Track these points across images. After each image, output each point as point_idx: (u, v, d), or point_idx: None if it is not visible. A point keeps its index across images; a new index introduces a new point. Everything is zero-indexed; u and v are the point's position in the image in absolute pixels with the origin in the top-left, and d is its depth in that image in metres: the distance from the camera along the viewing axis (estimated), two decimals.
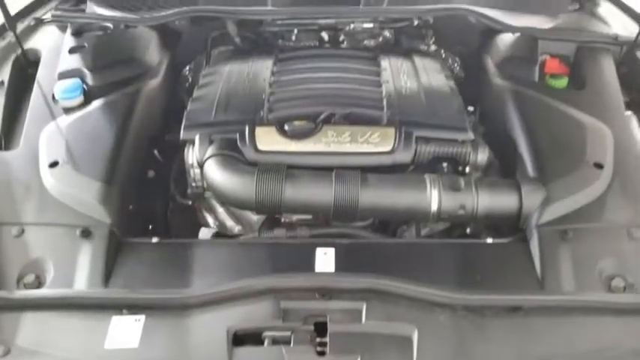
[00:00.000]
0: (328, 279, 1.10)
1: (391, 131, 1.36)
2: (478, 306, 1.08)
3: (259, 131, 1.35)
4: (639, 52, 1.71)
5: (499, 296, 1.10)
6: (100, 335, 1.03)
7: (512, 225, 1.28)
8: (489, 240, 1.27)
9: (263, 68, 1.60)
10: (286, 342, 1.03)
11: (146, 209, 1.47)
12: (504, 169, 1.46)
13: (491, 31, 1.76)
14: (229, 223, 1.48)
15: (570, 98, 1.52)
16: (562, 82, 1.61)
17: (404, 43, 1.89)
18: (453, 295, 1.08)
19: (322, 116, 1.38)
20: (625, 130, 1.42)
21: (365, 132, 1.35)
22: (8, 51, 1.65)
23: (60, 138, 1.35)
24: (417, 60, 1.67)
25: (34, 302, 1.07)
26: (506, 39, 1.75)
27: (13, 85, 1.54)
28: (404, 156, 1.34)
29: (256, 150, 1.33)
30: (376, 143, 1.34)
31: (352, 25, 1.82)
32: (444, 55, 1.93)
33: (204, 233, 1.47)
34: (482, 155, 1.37)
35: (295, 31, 1.84)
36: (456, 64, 1.94)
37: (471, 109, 1.60)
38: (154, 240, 1.25)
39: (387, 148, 1.34)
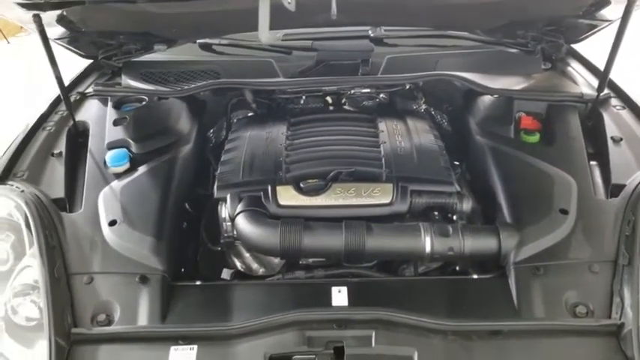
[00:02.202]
0: (343, 312, 1.39)
1: (389, 186, 1.66)
2: (465, 331, 1.36)
3: (279, 189, 1.65)
4: (602, 109, 2.05)
5: (482, 322, 1.38)
6: None
7: (494, 263, 1.58)
8: (475, 276, 1.56)
9: (279, 133, 1.92)
10: None
11: (180, 255, 1.77)
12: (486, 214, 1.76)
13: (473, 92, 2.08)
14: (254, 265, 1.78)
15: (541, 153, 1.82)
16: (535, 138, 1.92)
17: (398, 103, 2.22)
18: (444, 322, 1.36)
19: (331, 175, 1.69)
20: (587, 179, 1.71)
21: (367, 188, 1.65)
22: (61, 124, 1.96)
23: (115, 200, 1.65)
24: (410, 121, 1.99)
25: (107, 337, 1.36)
26: (486, 100, 2.07)
27: (69, 154, 1.85)
28: (401, 207, 1.64)
29: (278, 205, 1.63)
30: (377, 197, 1.64)
31: (352, 91, 2.16)
32: (433, 113, 2.27)
33: (225, 273, 1.77)
34: (467, 205, 1.67)
35: (303, 96, 2.18)
36: (444, 121, 2.27)
37: (457, 163, 1.92)
38: (198, 283, 1.54)
39: (387, 200, 1.64)
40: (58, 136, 1.91)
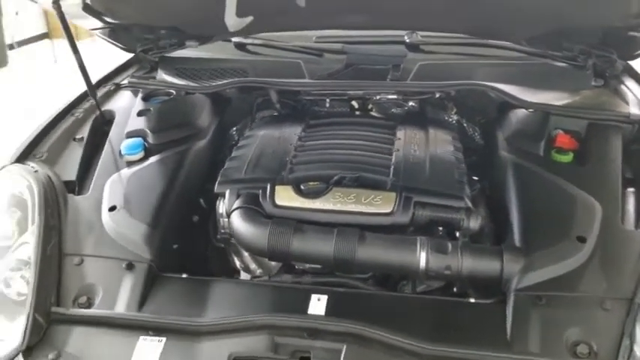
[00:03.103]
0: (316, 321, 1.32)
1: (392, 195, 1.57)
2: (444, 357, 1.26)
3: (279, 189, 1.62)
4: None
5: (464, 350, 1.26)
6: (129, 350, 1.30)
7: (495, 287, 1.45)
8: (472, 300, 1.44)
9: (292, 133, 1.88)
10: None
11: (189, 249, 1.77)
12: (500, 235, 1.63)
13: (507, 105, 1.94)
14: (252, 266, 1.75)
15: (570, 173, 1.66)
16: (567, 157, 1.75)
17: (428, 112, 2.12)
18: (422, 345, 1.26)
19: (334, 179, 1.63)
20: (615, 206, 1.54)
21: (369, 195, 1.58)
22: (90, 111, 2.04)
23: (120, 187, 1.68)
24: (432, 131, 1.89)
25: (82, 319, 1.38)
26: (519, 113, 1.93)
27: (90, 140, 1.91)
28: (402, 218, 1.55)
29: (274, 205, 1.59)
30: (378, 205, 1.56)
31: (378, 96, 2.08)
32: (465, 125, 2.15)
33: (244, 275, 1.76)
34: (475, 222, 1.55)
35: (327, 99, 2.13)
36: (476, 134, 2.14)
37: (475, 178, 1.79)
38: (184, 276, 1.53)
39: (387, 210, 1.55)
40: (84, 123, 1.99)
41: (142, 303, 1.42)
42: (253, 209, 1.59)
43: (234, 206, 1.60)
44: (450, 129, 1.96)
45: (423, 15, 1.82)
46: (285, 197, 1.61)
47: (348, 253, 1.47)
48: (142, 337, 1.33)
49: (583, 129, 1.85)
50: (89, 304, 1.43)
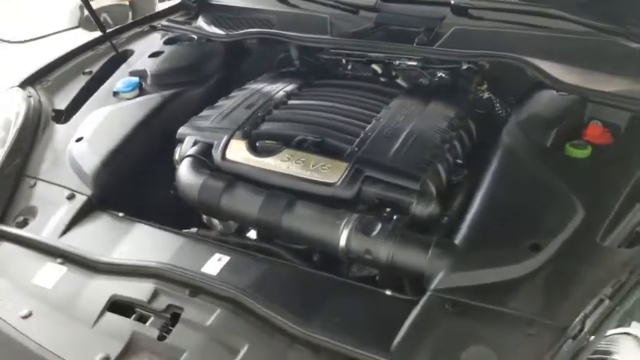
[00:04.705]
0: (200, 279, 1.30)
1: (343, 165, 1.47)
2: (311, 343, 1.16)
3: (233, 143, 1.60)
4: None
5: (335, 341, 1.15)
6: (34, 272, 1.41)
7: (418, 283, 1.29)
8: (388, 292, 1.30)
9: (281, 90, 1.84)
10: (147, 321, 1.28)
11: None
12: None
13: (540, 84, 1.68)
14: (215, 221, 1.76)
15: (573, 171, 1.41)
16: (583, 152, 1.48)
17: (453, 85, 1.91)
18: (294, 325, 1.18)
19: (295, 140, 1.57)
20: (604, 215, 1.27)
21: (319, 161, 1.49)
22: (111, 49, 2.18)
23: (95, 120, 1.80)
24: (433, 104, 1.72)
25: (10, 236, 1.51)
26: (546, 95, 1.65)
27: (98, 75, 2.05)
28: (344, 192, 1.44)
29: (223, 158, 1.58)
30: (323, 174, 1.47)
31: (397, 62, 1.93)
32: (498, 105, 1.90)
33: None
34: (424, 209, 1.39)
35: (344, 60, 2.03)
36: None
37: (459, 161, 1.59)
38: (120, 214, 1.59)
39: (331, 180, 1.46)
40: (100, 59, 2.13)
41: (65, 232, 1.52)
42: (201, 159, 1.60)
43: (186, 154, 1.63)
44: (464, 106, 1.76)
45: None
46: (236, 152, 1.59)
47: (273, 218, 1.43)
48: (49, 263, 1.43)
49: (625, 122, 1.54)
50: (24, 224, 1.56)
